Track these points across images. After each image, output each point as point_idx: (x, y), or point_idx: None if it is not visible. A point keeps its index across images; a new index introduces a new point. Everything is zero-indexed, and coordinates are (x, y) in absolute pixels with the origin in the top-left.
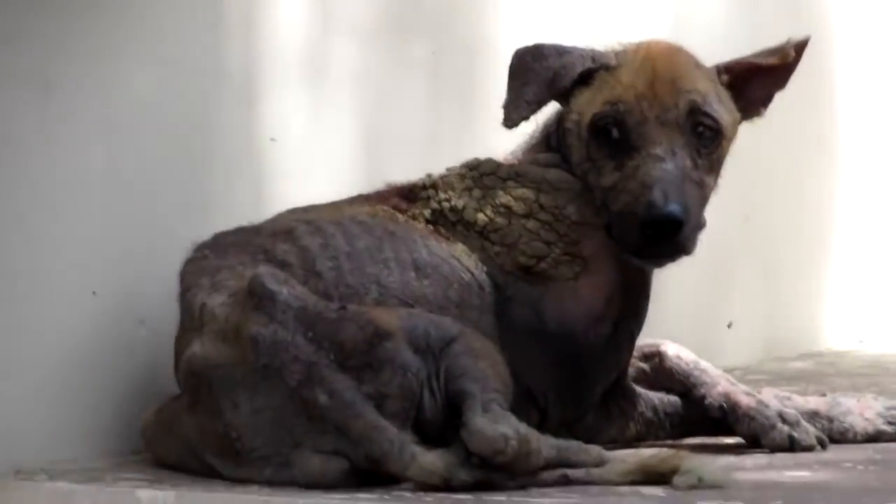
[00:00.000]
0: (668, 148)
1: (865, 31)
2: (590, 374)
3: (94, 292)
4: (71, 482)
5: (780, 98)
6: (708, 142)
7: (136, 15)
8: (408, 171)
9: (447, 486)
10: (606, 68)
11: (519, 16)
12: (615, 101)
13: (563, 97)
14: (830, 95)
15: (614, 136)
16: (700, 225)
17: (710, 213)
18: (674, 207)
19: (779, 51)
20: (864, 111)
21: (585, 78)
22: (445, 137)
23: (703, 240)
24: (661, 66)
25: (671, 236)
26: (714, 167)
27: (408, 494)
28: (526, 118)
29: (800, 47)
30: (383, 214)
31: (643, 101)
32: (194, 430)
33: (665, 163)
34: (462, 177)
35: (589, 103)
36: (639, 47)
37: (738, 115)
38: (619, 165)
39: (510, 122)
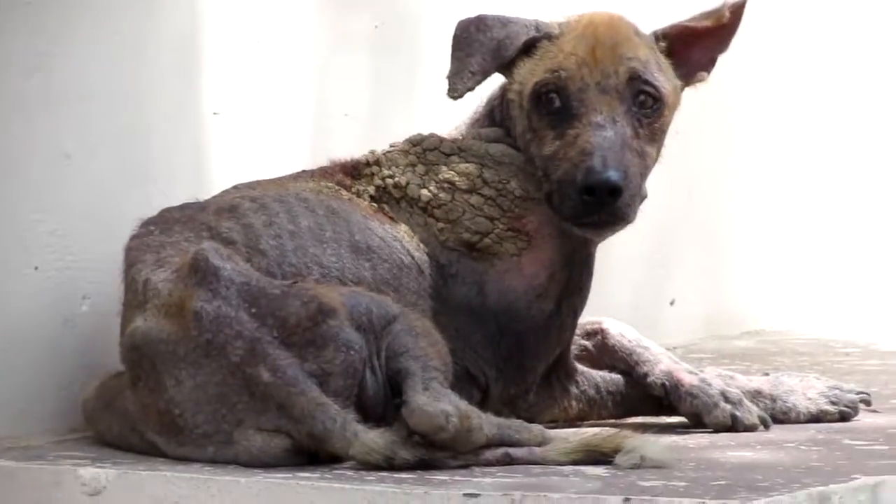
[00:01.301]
0: (609, 115)
1: (811, 18)
2: (532, 352)
3: (35, 267)
4: (11, 460)
5: (725, 73)
6: (649, 111)
7: None
8: (352, 146)
9: (389, 465)
10: (549, 38)
11: None
12: (556, 68)
13: (507, 68)
14: (779, 73)
15: (556, 105)
16: (641, 194)
17: (653, 189)
18: (612, 173)
19: (714, 13)
20: (814, 89)
21: (529, 48)
22: (389, 112)
23: (646, 217)
24: (602, 33)
25: (610, 202)
26: (656, 137)
27: (350, 473)
28: (471, 89)
29: (736, 8)
30: (327, 191)
31: (584, 67)
32: (136, 406)
33: (605, 130)
34: (405, 153)
35: (531, 73)
36: (581, 17)
37: (678, 82)
38: (559, 134)
39: (455, 92)
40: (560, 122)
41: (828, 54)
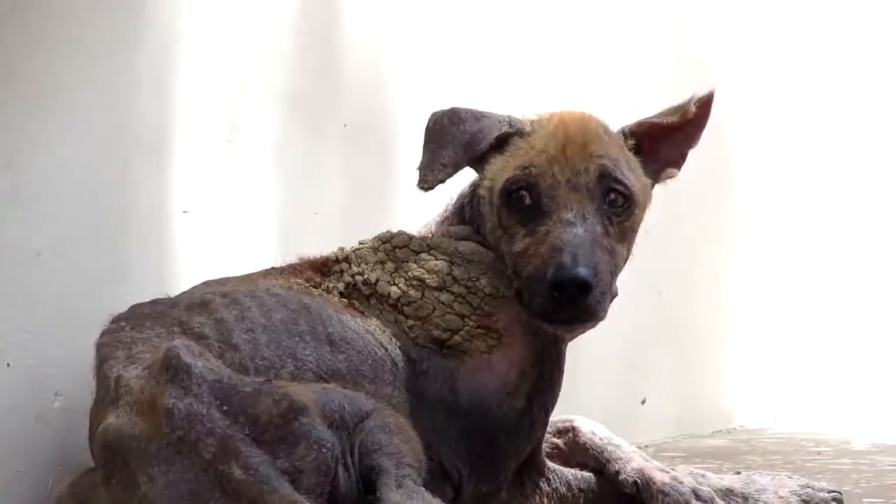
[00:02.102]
0: (580, 212)
1: (774, 106)
2: (503, 449)
3: (7, 364)
4: None
5: (694, 173)
6: (619, 209)
7: (49, 80)
8: (321, 244)
9: None
10: (521, 134)
11: (429, 86)
12: (527, 165)
13: (479, 163)
14: (743, 170)
15: (526, 202)
16: (612, 292)
17: (623, 289)
18: (582, 269)
19: (680, 108)
20: (778, 187)
21: (501, 144)
22: (359, 210)
23: (617, 316)
24: (572, 131)
25: (580, 299)
26: (626, 236)
27: None
28: (442, 181)
29: (703, 103)
30: (297, 287)
31: (555, 164)
32: (109, 503)
33: (576, 227)
34: (375, 250)
35: (502, 169)
36: (553, 115)
37: (647, 180)
38: (529, 231)
39: (426, 184)
40: (530, 219)
41: (802, 148)
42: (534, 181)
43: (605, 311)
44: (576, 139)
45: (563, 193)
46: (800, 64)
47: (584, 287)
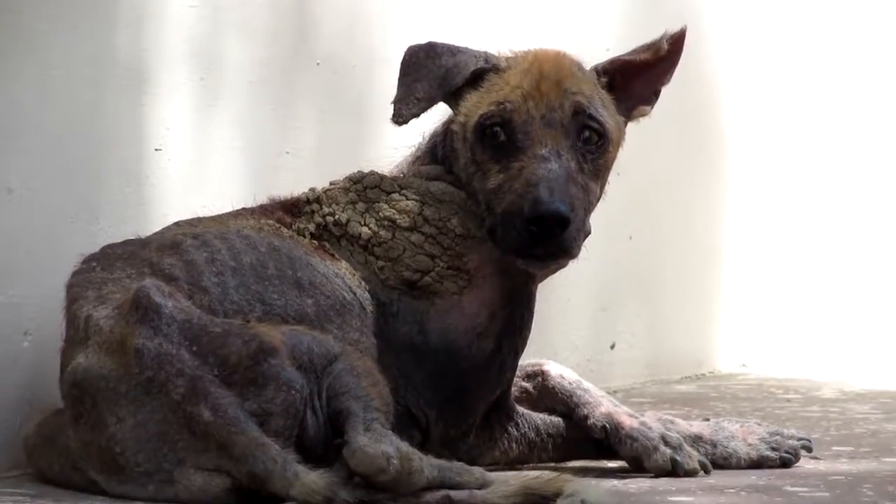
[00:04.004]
0: (554, 149)
1: (750, 46)
2: (472, 392)
3: (2, 295)
4: None
5: (667, 115)
6: (594, 147)
7: (21, 19)
8: (294, 184)
9: None
10: (496, 70)
11: (403, 25)
12: (502, 101)
13: (453, 98)
14: (718, 113)
15: (500, 139)
16: (585, 230)
17: (595, 232)
18: (560, 204)
19: (652, 45)
20: (753, 130)
21: (476, 80)
22: (330, 149)
23: (586, 260)
24: (547, 68)
25: (556, 234)
26: (600, 174)
27: None
28: (416, 115)
29: (675, 40)
30: (268, 229)
31: (529, 100)
32: (77, 443)
33: (550, 163)
34: (346, 190)
35: (476, 105)
36: (527, 52)
37: (621, 118)
38: (503, 167)
39: (400, 118)
40: (504, 155)
41: (778, 94)
42: (508, 117)
43: (580, 248)
44: (550, 76)
45: (537, 129)
46: (777, 6)
47: (561, 221)
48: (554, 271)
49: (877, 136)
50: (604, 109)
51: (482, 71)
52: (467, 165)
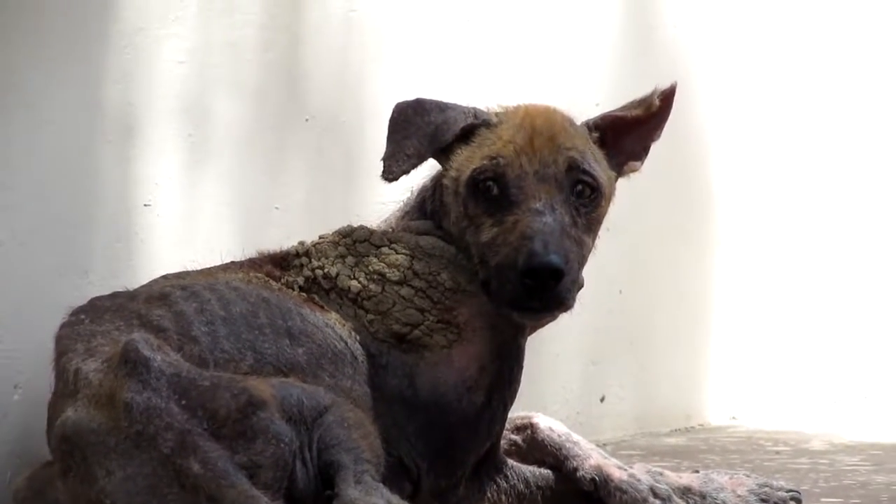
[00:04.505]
0: (548, 202)
1: (739, 101)
2: (462, 444)
3: None
4: None
5: (657, 171)
6: (587, 201)
7: (14, 73)
8: (283, 238)
9: None
10: (487, 126)
11: (392, 82)
12: (495, 156)
13: (443, 154)
14: (707, 169)
15: (493, 193)
16: (579, 282)
17: (585, 285)
18: (554, 257)
19: (643, 101)
20: (742, 186)
21: (466, 135)
22: (320, 204)
23: (577, 313)
24: (539, 123)
25: (550, 286)
26: (592, 227)
27: None
28: (406, 172)
29: (665, 96)
30: (257, 281)
31: (522, 156)
32: (67, 496)
33: (545, 216)
34: (335, 244)
35: (468, 160)
36: (518, 108)
37: (612, 173)
38: (497, 221)
39: (390, 174)
40: (498, 209)
41: (768, 149)
42: (501, 171)
43: (574, 299)
44: (543, 131)
45: (530, 184)
46: (764, 61)
47: (556, 274)
48: (545, 324)
49: (862, 195)
50: (596, 164)
51: (472, 126)
52: (459, 219)
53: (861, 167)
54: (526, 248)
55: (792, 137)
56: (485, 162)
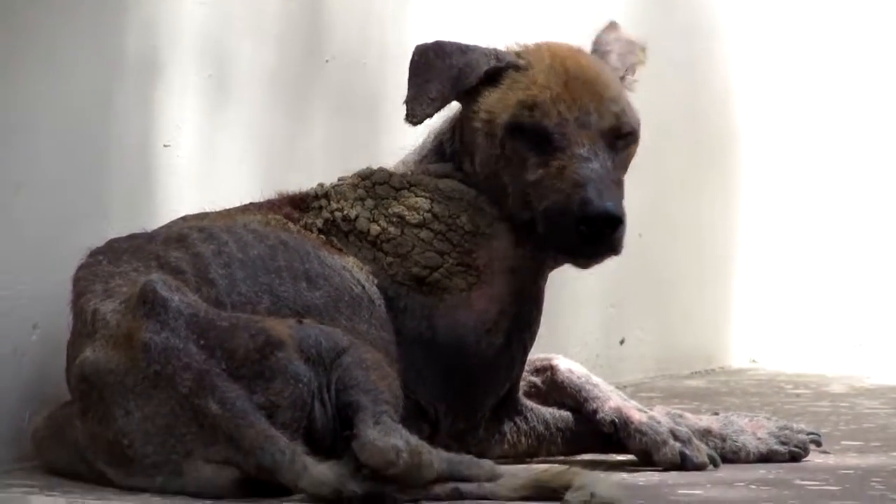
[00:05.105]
0: (592, 149)
1: (764, 48)
2: (481, 386)
3: (12, 291)
4: None
5: (679, 112)
6: (622, 144)
7: (31, 16)
8: (302, 179)
9: (338, 498)
10: (516, 68)
11: (412, 22)
12: (531, 102)
13: (467, 96)
14: (730, 110)
15: (535, 136)
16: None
17: None
18: (610, 205)
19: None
20: (766, 128)
21: (493, 77)
22: (340, 145)
23: None
24: (571, 67)
25: (607, 234)
26: (626, 167)
27: None
28: (430, 115)
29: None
30: (275, 223)
31: (560, 102)
32: (85, 436)
33: (591, 162)
34: (354, 186)
35: (500, 103)
36: (540, 47)
37: (639, 116)
38: (542, 163)
39: (414, 118)
40: (542, 152)
41: (790, 93)
42: (540, 119)
43: (623, 245)
44: (577, 76)
45: (572, 130)
46: (789, 9)
47: (612, 221)
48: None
49: (886, 134)
50: (631, 110)
51: (497, 69)
52: (492, 160)
53: (880, 110)
54: (579, 195)
55: (818, 77)
56: (523, 110)
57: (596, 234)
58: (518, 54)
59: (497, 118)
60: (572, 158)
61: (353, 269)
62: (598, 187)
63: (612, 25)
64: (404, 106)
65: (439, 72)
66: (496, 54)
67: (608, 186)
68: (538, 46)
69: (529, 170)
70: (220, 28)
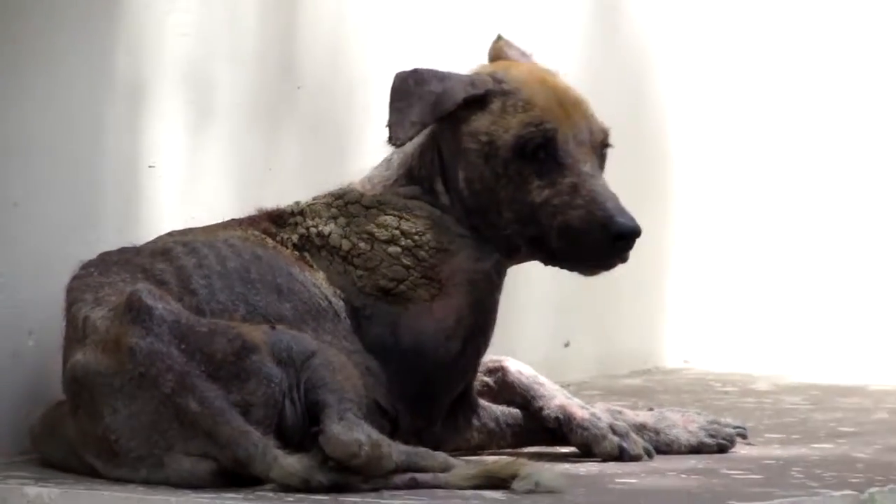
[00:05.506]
0: (592, 165)
1: (696, 72)
2: (439, 388)
3: (10, 299)
4: None
5: (618, 135)
6: (603, 154)
7: (26, 38)
8: (277, 196)
9: (306, 488)
10: (503, 92)
11: (379, 54)
12: (540, 122)
13: (448, 120)
14: (665, 135)
15: (540, 156)
16: None
17: None
18: (636, 222)
19: None
20: (697, 148)
21: (478, 102)
22: (311, 165)
23: (542, 266)
24: (557, 86)
25: (631, 247)
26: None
27: (270, 495)
28: (411, 137)
29: None
30: (254, 239)
31: (562, 121)
32: (76, 432)
33: (598, 179)
34: (328, 205)
35: (498, 124)
36: (511, 69)
37: None
38: (550, 182)
39: (397, 140)
40: (547, 170)
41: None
42: (551, 135)
43: None
44: (566, 97)
45: (574, 148)
46: (720, 30)
47: (638, 234)
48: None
49: (808, 144)
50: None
51: (478, 94)
52: (491, 180)
53: (806, 113)
54: (605, 211)
55: (746, 86)
56: (530, 128)
57: (624, 247)
58: (495, 79)
59: (499, 139)
60: (581, 176)
61: (321, 285)
62: (618, 205)
63: (505, 41)
64: (386, 129)
65: (419, 97)
66: (472, 81)
67: (620, 201)
68: (508, 69)
69: (534, 190)
70: (202, 57)
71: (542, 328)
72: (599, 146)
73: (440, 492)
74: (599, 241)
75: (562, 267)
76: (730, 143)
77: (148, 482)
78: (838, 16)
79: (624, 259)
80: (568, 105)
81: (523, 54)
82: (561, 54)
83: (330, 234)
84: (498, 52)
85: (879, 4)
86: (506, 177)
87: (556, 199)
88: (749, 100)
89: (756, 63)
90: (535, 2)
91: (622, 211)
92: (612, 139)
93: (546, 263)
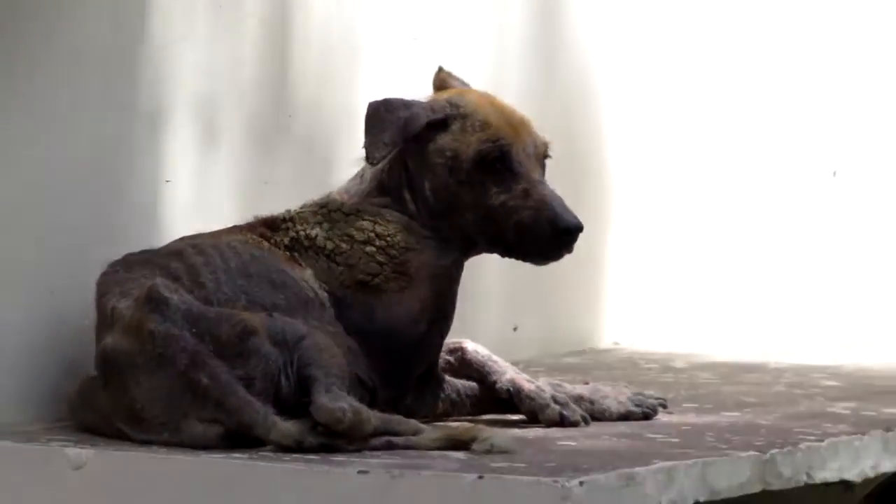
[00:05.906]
0: (540, 173)
1: (633, 94)
2: (408, 363)
3: (51, 292)
4: (10, 441)
5: (558, 152)
6: (545, 163)
7: (63, 77)
8: (272, 207)
9: (300, 448)
10: (462, 115)
11: (362, 84)
12: (496, 138)
13: (415, 141)
14: (599, 130)
15: (497, 167)
16: None
17: None
18: (577, 218)
19: None
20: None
21: (441, 124)
22: (302, 179)
23: (493, 262)
24: (504, 108)
25: (575, 240)
26: None
27: (270, 454)
28: (385, 157)
29: None
30: (252, 241)
31: (514, 137)
32: (107, 402)
33: (546, 186)
34: (314, 212)
35: (460, 142)
36: (465, 95)
37: None
38: (505, 189)
39: (373, 159)
40: (503, 179)
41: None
42: (506, 149)
43: None
44: (513, 117)
45: (524, 159)
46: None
47: (580, 230)
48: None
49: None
50: None
51: (439, 119)
52: (454, 188)
53: (727, 113)
54: (552, 211)
55: (675, 88)
56: (488, 144)
57: (569, 241)
58: (451, 104)
59: (462, 154)
60: (531, 182)
61: (309, 280)
62: (562, 204)
63: (446, 72)
64: (363, 150)
65: (389, 123)
66: (432, 107)
67: (564, 202)
68: (462, 95)
69: (493, 196)
70: (209, 87)
71: (495, 315)
72: (542, 157)
73: (412, 452)
74: (548, 236)
75: (517, 258)
76: (658, 150)
77: (168, 444)
78: (764, 27)
79: (570, 250)
80: (516, 123)
81: (463, 83)
82: (501, 80)
83: (316, 236)
84: (442, 81)
85: (801, 20)
86: (468, 185)
87: (511, 202)
88: (677, 99)
89: (683, 67)
90: (485, 33)
91: (566, 210)
92: (551, 150)
93: (503, 256)
